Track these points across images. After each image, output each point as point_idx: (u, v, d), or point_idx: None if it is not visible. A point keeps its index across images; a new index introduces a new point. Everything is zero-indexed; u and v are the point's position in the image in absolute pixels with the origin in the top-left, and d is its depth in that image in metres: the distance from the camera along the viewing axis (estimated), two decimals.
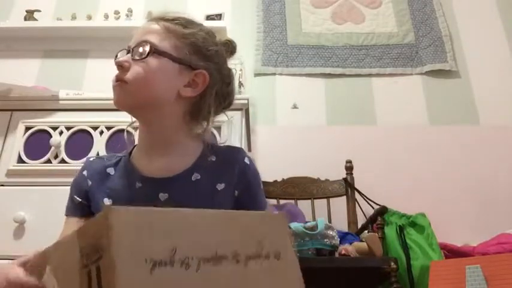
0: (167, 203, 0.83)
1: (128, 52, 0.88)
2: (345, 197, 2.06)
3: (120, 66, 0.86)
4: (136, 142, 0.98)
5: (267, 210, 0.49)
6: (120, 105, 0.87)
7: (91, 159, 0.97)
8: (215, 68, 0.94)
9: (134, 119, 0.94)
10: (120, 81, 0.85)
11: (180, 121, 0.91)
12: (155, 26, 0.90)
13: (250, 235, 0.50)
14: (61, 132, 1.89)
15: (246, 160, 0.92)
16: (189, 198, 0.84)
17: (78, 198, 0.91)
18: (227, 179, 0.88)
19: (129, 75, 0.85)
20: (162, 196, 0.85)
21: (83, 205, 0.91)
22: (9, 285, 0.60)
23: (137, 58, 0.85)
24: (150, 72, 0.85)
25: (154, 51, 0.85)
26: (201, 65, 0.90)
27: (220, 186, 0.87)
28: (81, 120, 1.92)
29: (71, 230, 0.73)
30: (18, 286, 0.60)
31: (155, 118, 0.89)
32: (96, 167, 0.93)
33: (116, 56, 0.92)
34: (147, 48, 0.85)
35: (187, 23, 0.93)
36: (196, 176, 0.87)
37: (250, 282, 0.49)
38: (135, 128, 0.98)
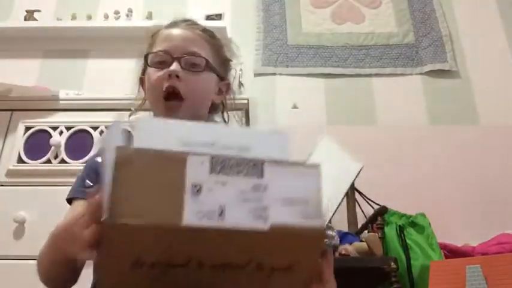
0: None
1: (173, 60, 0.88)
2: (344, 197, 2.06)
3: (176, 76, 0.86)
4: None
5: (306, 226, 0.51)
6: (172, 117, 0.88)
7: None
8: (231, 79, 1.02)
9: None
10: (174, 95, 0.86)
11: (207, 116, 0.98)
12: (192, 35, 0.92)
13: (277, 250, 0.52)
14: (61, 132, 1.89)
15: None
16: None
17: (89, 182, 0.91)
18: None
19: (186, 91, 0.87)
20: None
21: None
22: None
23: (191, 70, 0.88)
24: (204, 87, 0.91)
25: (208, 65, 0.89)
26: (226, 75, 0.99)
27: None
28: (81, 120, 1.92)
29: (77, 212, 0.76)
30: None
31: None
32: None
33: (146, 57, 0.91)
34: (202, 63, 0.89)
35: (212, 32, 0.97)
36: None
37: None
38: None
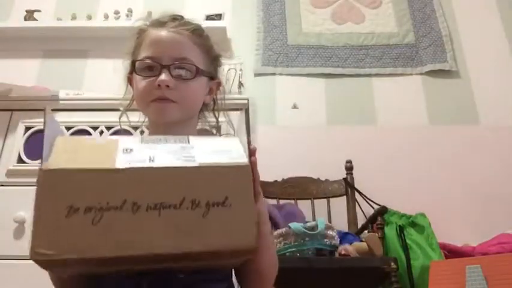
0: None
1: (162, 68, 0.86)
2: (345, 197, 2.06)
3: (166, 86, 0.84)
4: None
5: (233, 163, 0.56)
6: (167, 121, 0.87)
7: None
8: (220, 78, 1.00)
9: (146, 119, 0.95)
10: (167, 100, 0.86)
11: (195, 122, 0.97)
12: (181, 39, 0.90)
13: (210, 185, 0.55)
14: None
15: None
16: None
17: None
18: None
19: (176, 97, 0.86)
20: None
21: None
22: None
23: (181, 77, 0.87)
24: (195, 93, 0.90)
25: (198, 72, 0.88)
26: (216, 74, 0.97)
27: None
28: (81, 120, 1.92)
29: None
30: None
31: (184, 124, 0.91)
32: None
33: (133, 62, 0.90)
34: (192, 70, 0.87)
35: (201, 29, 0.95)
36: None
37: (199, 224, 0.54)
38: (135, 128, 0.98)
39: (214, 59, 0.96)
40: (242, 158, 0.58)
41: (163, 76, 0.84)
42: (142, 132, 1.82)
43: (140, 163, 0.55)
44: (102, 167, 0.54)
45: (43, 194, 0.52)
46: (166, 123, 0.87)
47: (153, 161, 0.55)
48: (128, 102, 0.98)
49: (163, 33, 0.91)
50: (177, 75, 0.86)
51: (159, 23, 0.95)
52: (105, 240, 0.51)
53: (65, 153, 0.56)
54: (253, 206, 0.57)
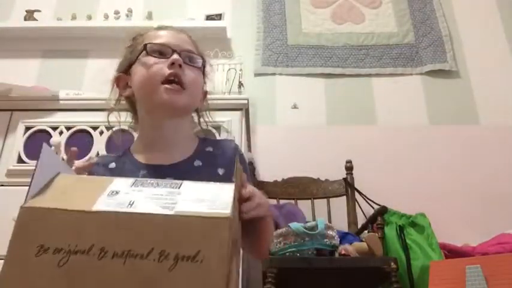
0: None
1: (173, 53, 0.88)
2: (345, 197, 2.06)
3: (179, 65, 0.87)
4: (133, 139, 1.00)
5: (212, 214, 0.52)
6: (175, 106, 0.88)
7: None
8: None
9: (132, 118, 0.97)
10: (178, 85, 0.87)
11: (190, 127, 0.98)
12: (184, 36, 0.95)
13: (183, 237, 0.51)
14: (61, 132, 1.89)
15: (236, 148, 0.97)
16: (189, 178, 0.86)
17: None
18: (225, 165, 0.90)
19: (187, 81, 0.88)
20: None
21: None
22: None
23: (193, 65, 0.91)
24: (199, 82, 0.92)
25: (203, 64, 0.94)
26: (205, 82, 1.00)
27: (221, 171, 0.90)
28: (81, 120, 1.92)
29: None
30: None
31: (181, 121, 0.92)
32: (98, 167, 0.94)
33: (145, 46, 0.91)
34: (200, 61, 0.93)
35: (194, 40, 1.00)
36: (198, 163, 0.90)
37: (163, 280, 0.50)
38: (132, 128, 0.98)
39: (207, 61, 1.00)
40: (224, 209, 0.53)
41: (176, 55, 0.87)
42: None
43: (117, 207, 0.53)
44: (78, 208, 0.53)
45: (18, 231, 0.52)
46: (173, 108, 0.88)
47: (131, 206, 0.53)
48: (114, 102, 0.98)
49: (166, 31, 0.95)
50: (187, 61, 0.89)
51: (157, 28, 0.98)
52: (66, 284, 0.50)
53: (54, 192, 0.56)
54: (226, 264, 0.51)
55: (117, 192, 0.56)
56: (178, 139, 0.92)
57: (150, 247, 0.51)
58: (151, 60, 0.88)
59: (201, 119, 1.01)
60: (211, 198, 0.56)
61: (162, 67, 0.87)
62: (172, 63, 0.86)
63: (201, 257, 0.50)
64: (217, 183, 0.61)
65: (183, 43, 0.92)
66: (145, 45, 0.90)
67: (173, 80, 0.86)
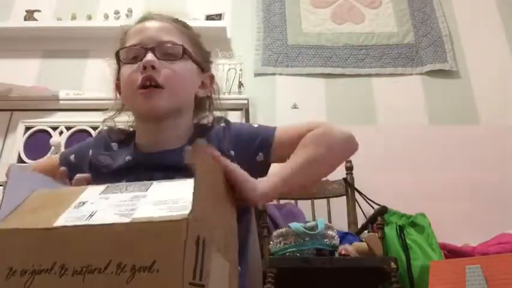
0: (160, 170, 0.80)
1: (147, 52, 0.82)
2: (345, 197, 2.06)
3: (151, 66, 0.80)
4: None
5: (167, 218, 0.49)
6: (156, 111, 0.83)
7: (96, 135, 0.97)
8: (213, 70, 0.97)
9: (132, 119, 0.92)
10: (152, 87, 0.81)
11: (190, 120, 0.92)
12: (166, 25, 0.88)
13: (139, 246, 0.48)
14: (61, 132, 1.89)
15: (223, 124, 0.90)
16: (178, 165, 0.80)
17: (73, 158, 0.92)
18: (215, 144, 0.85)
19: (163, 80, 0.81)
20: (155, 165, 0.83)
21: (72, 165, 0.90)
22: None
23: (167, 59, 0.83)
24: (182, 75, 0.84)
25: (185, 52, 0.84)
26: (208, 68, 0.93)
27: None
28: (81, 120, 1.92)
29: (46, 165, 0.95)
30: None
31: (175, 120, 0.87)
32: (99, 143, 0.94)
33: (117, 54, 0.87)
34: (178, 50, 0.84)
35: (186, 25, 0.94)
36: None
37: None
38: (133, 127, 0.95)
39: (203, 52, 0.93)
40: (182, 210, 0.49)
41: (148, 57, 0.81)
42: None
43: (75, 221, 0.51)
44: (40, 226, 0.52)
45: None
46: (155, 115, 0.84)
47: (90, 217, 0.51)
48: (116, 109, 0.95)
49: (147, 23, 0.89)
50: (163, 56, 0.83)
51: (142, 18, 0.92)
52: None
53: (23, 212, 0.55)
54: (181, 272, 0.47)
55: (83, 203, 0.55)
56: (175, 134, 0.88)
57: (107, 260, 0.48)
58: (126, 68, 0.85)
59: (211, 106, 0.95)
60: (175, 198, 0.52)
61: (136, 73, 0.82)
62: (145, 67, 0.80)
63: (157, 267, 0.47)
64: (188, 180, 0.56)
65: (160, 35, 0.85)
66: (116, 53, 0.87)
67: (149, 84, 0.81)
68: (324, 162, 0.85)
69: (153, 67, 0.80)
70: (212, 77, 0.94)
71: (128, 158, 0.86)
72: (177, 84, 0.83)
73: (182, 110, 0.88)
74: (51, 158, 0.96)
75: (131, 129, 0.94)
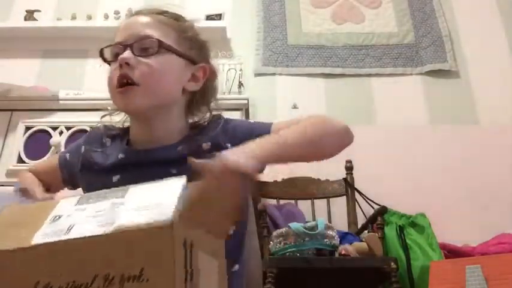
0: (147, 169, 0.79)
1: (125, 49, 0.81)
2: (345, 197, 2.06)
3: (126, 64, 0.79)
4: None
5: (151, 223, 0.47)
6: (133, 109, 0.83)
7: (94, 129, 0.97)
8: (210, 60, 0.93)
9: (126, 116, 0.91)
10: (127, 85, 0.80)
11: (182, 115, 0.90)
12: (148, 19, 0.86)
13: (124, 255, 0.47)
14: (61, 132, 1.89)
15: (222, 120, 0.90)
16: (170, 162, 0.81)
17: (68, 155, 0.93)
18: (211, 138, 0.85)
19: (138, 76, 0.80)
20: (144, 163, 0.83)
21: (67, 163, 0.92)
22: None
23: (144, 55, 0.81)
24: (160, 70, 0.81)
25: (162, 46, 0.82)
26: (200, 59, 0.89)
27: (207, 145, 0.84)
28: (81, 120, 1.92)
29: (46, 167, 0.97)
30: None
31: (162, 117, 0.86)
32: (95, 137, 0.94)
33: (102, 54, 0.86)
34: (154, 44, 0.81)
35: (178, 16, 0.91)
36: (181, 147, 0.85)
37: None
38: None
39: (195, 43, 0.90)
40: (166, 214, 0.47)
41: (123, 54, 0.80)
42: None
43: (54, 237, 0.48)
44: (16, 246, 0.49)
45: None
46: (133, 113, 0.84)
47: (69, 231, 0.49)
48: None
49: (131, 18, 0.88)
50: (140, 52, 0.81)
51: (130, 15, 0.91)
52: None
53: None
54: (173, 277, 0.45)
55: (59, 217, 0.52)
56: (166, 131, 0.87)
57: (93, 274, 0.46)
58: (110, 67, 0.84)
59: (208, 100, 0.92)
60: (156, 202, 0.50)
61: (115, 72, 0.81)
62: (121, 65, 0.79)
63: (146, 276, 0.45)
64: (168, 180, 0.55)
65: (139, 30, 0.83)
66: (100, 52, 0.86)
67: (125, 81, 0.80)
68: (319, 143, 0.81)
69: (128, 64, 0.79)
70: (205, 69, 0.89)
71: (121, 155, 0.85)
72: (153, 80, 0.80)
73: (167, 105, 0.85)
74: (52, 158, 0.96)
75: (125, 125, 0.93)
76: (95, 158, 0.88)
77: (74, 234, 0.48)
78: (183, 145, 0.85)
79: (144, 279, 0.45)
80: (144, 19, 0.86)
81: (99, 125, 0.95)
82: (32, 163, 1.82)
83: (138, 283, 0.45)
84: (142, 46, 0.81)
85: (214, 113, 0.92)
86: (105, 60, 0.86)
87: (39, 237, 0.49)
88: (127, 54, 0.80)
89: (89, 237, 0.47)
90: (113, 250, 0.47)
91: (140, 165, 0.82)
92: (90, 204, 0.53)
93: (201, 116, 0.92)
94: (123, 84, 0.80)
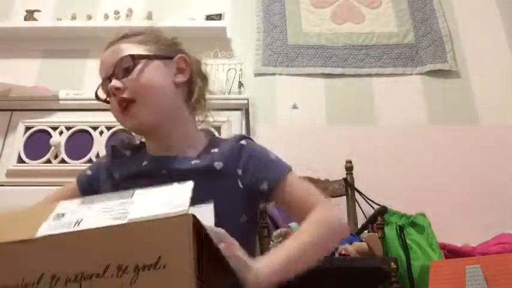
0: (167, 177, 0.81)
1: (111, 80, 0.87)
2: (345, 197, 2.06)
3: (117, 89, 0.85)
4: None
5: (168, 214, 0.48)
6: (140, 124, 0.87)
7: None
8: (183, 49, 0.97)
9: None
10: (126, 105, 0.85)
11: (183, 113, 0.92)
12: (115, 47, 0.91)
13: (140, 245, 0.47)
14: (61, 132, 1.89)
15: (242, 142, 0.91)
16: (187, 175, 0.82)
17: (89, 172, 0.95)
18: (225, 159, 0.86)
19: (131, 93, 0.85)
20: (164, 171, 0.85)
21: (89, 178, 0.93)
22: None
23: (126, 74, 0.86)
24: (145, 78, 0.86)
25: (134, 58, 0.87)
26: (175, 53, 0.93)
27: (219, 165, 0.85)
28: (81, 120, 1.92)
29: (67, 192, 0.92)
30: None
31: (170, 123, 0.89)
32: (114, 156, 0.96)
33: (97, 97, 0.93)
34: (128, 60, 0.86)
35: (138, 31, 0.96)
36: (196, 161, 0.87)
37: None
38: None
39: (166, 43, 0.94)
40: (181, 206, 0.48)
41: (110, 84, 0.86)
42: None
43: (63, 229, 0.48)
44: (19, 238, 0.48)
45: None
46: (144, 129, 0.89)
47: (78, 224, 0.49)
48: None
49: (103, 55, 0.93)
50: (122, 74, 0.86)
51: (104, 49, 0.96)
52: None
53: None
54: (192, 265, 0.46)
55: (63, 215, 0.52)
56: (182, 137, 0.90)
57: (105, 264, 0.46)
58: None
59: (199, 89, 0.95)
60: (167, 200, 0.51)
61: (113, 103, 0.88)
62: (114, 94, 0.86)
63: (163, 263, 0.46)
64: (175, 184, 0.56)
65: (112, 59, 0.88)
66: (96, 96, 0.94)
67: (125, 105, 0.86)
68: (321, 251, 0.83)
69: (117, 89, 0.85)
70: (184, 59, 0.93)
71: (145, 162, 0.88)
72: (144, 89, 0.86)
73: (169, 107, 0.89)
74: (67, 185, 0.96)
75: (140, 141, 0.98)
76: (119, 166, 0.90)
77: (86, 226, 0.48)
78: (199, 159, 0.87)
79: (161, 266, 0.46)
80: (112, 49, 0.91)
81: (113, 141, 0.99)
82: (32, 163, 1.82)
83: (154, 271, 0.46)
84: (122, 68, 0.86)
85: (239, 134, 0.97)
86: (103, 100, 0.92)
87: (45, 230, 0.49)
88: (113, 82, 0.85)
89: (104, 227, 0.48)
90: (127, 240, 0.47)
91: (164, 172, 0.84)
92: (96, 204, 0.53)
93: (204, 112, 0.95)
94: (123, 107, 0.86)
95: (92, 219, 0.49)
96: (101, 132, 1.88)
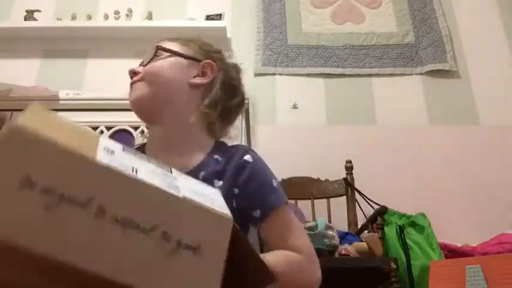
0: None
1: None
2: (345, 197, 2.06)
3: (133, 73, 0.91)
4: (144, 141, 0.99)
5: (216, 211, 0.48)
6: (138, 101, 0.90)
7: None
8: (219, 58, 1.00)
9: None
10: (134, 83, 0.91)
11: (190, 114, 0.91)
12: (160, 41, 0.96)
13: (188, 224, 0.47)
14: None
15: (247, 157, 0.87)
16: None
17: None
18: (225, 177, 0.85)
19: (142, 75, 0.90)
20: None
21: None
22: None
23: (147, 62, 0.91)
24: (159, 66, 0.90)
25: (162, 49, 0.92)
26: (205, 58, 0.96)
27: (218, 184, 0.84)
28: (81, 120, 1.92)
29: None
30: None
31: (172, 115, 0.89)
32: None
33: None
34: (154, 51, 0.92)
35: (183, 38, 0.99)
36: (202, 174, 0.85)
37: (163, 264, 0.45)
38: (134, 128, 0.98)
39: (200, 46, 0.98)
40: (225, 209, 0.50)
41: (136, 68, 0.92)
42: (142, 132, 1.82)
43: (122, 167, 0.45)
44: (80, 152, 0.43)
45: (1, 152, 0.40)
46: (142, 106, 0.90)
47: (136, 172, 0.46)
48: None
49: None
50: (146, 62, 0.92)
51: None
52: (48, 233, 0.40)
53: (37, 118, 0.44)
54: (222, 264, 0.47)
55: (112, 152, 0.48)
56: (188, 138, 0.90)
57: (153, 223, 0.44)
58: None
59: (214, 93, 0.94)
60: (207, 195, 0.51)
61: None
62: (131, 77, 0.92)
63: (202, 251, 0.46)
64: (201, 182, 0.56)
65: (149, 49, 0.94)
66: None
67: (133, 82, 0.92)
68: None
69: (134, 72, 0.91)
70: (211, 65, 0.95)
71: None
72: (152, 74, 0.89)
73: (171, 98, 0.90)
74: None
75: (139, 145, 0.99)
76: None
77: (144, 177, 0.46)
78: (203, 171, 0.85)
79: (199, 253, 0.46)
80: (157, 42, 0.96)
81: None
82: None
83: (193, 255, 0.46)
84: (148, 57, 0.92)
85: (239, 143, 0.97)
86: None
87: (105, 159, 0.45)
88: (134, 67, 0.92)
89: (162, 190, 0.46)
90: (179, 214, 0.47)
91: None
92: (140, 160, 0.50)
93: (219, 125, 0.96)
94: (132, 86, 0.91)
95: (147, 174, 0.47)
96: (101, 132, 1.88)
